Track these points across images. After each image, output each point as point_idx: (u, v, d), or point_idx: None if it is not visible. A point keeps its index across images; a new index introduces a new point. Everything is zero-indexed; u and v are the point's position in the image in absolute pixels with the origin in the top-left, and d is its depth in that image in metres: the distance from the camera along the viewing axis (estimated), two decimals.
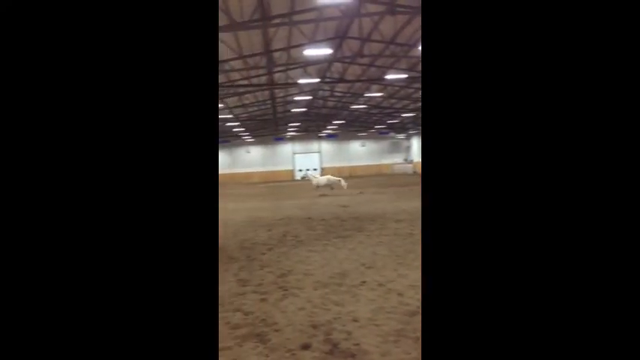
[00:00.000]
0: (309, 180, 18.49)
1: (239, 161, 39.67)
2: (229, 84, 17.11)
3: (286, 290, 4.31)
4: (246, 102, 23.04)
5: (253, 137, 37.56)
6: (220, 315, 3.65)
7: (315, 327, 3.28)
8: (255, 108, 25.65)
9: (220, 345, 3.00)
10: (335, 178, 17.56)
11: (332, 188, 17.34)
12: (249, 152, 39.84)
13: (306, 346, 2.94)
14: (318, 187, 17.39)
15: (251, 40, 13.05)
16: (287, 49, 14.09)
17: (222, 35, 11.66)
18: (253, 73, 16.40)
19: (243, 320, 3.52)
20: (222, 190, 26.62)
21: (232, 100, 22.06)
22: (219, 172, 39.26)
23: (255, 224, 9.61)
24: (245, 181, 38.62)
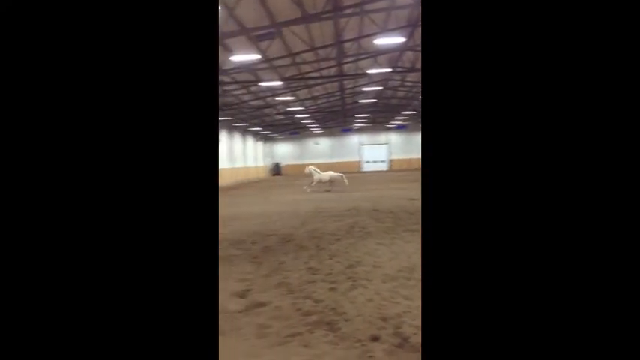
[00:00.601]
0: (309, 175, 17.98)
1: (307, 153, 40.35)
2: (300, 76, 17.41)
3: (355, 281, 4.33)
4: (316, 94, 23.30)
5: (322, 129, 37.96)
6: (291, 301, 3.78)
7: (384, 319, 3.27)
8: (324, 100, 25.85)
9: (291, 330, 3.11)
10: (337, 174, 17.32)
11: (331, 185, 17.16)
12: (317, 144, 40.34)
13: (375, 338, 2.94)
14: (320, 182, 17.13)
15: (322, 31, 13.13)
16: (358, 39, 13.98)
17: (294, 28, 11.87)
18: (324, 64, 16.52)
19: (313, 307, 3.61)
20: (289, 182, 27.24)
21: (302, 93, 22.43)
22: (290, 163, 39.99)
23: (322, 215, 9.75)
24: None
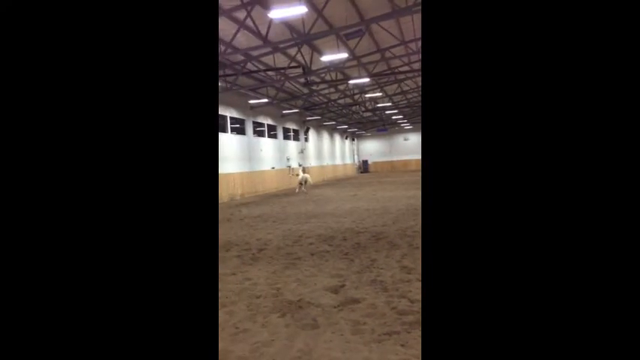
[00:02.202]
0: (294, 175, 18.46)
1: (396, 149, 39.64)
2: (389, 72, 17.12)
3: None
4: (406, 88, 22.74)
5: (411, 124, 36.99)
6: (386, 300, 3.72)
7: None
8: (415, 94, 25.12)
9: (388, 329, 3.06)
10: (307, 175, 17.99)
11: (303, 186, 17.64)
12: (407, 139, 39.43)
13: None
14: (303, 183, 17.55)
15: (413, 24, 12.75)
16: None
17: (384, 23, 11.69)
18: (414, 58, 16.04)
19: (409, 307, 3.51)
20: (379, 178, 26.98)
21: (392, 88, 22.05)
22: (379, 160, 39.69)
23: (414, 212, 9.48)
24: (403, 168, 38.45)
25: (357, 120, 32.03)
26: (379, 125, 36.05)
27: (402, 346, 2.79)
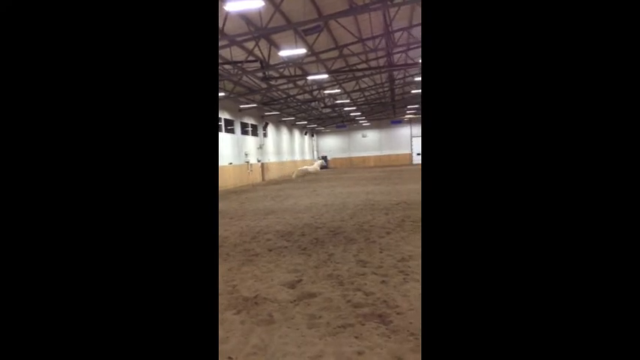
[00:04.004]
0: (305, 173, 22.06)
1: (355, 145, 40.14)
2: (347, 69, 17.28)
3: (407, 275, 4.24)
4: (364, 86, 23.05)
5: (369, 121, 37.57)
6: (341, 293, 3.76)
7: None
8: (373, 92, 25.53)
9: (343, 322, 3.10)
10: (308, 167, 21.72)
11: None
12: (365, 136, 40.00)
13: None
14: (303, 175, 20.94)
15: (371, 22, 12.93)
16: (408, 28, 13.63)
17: (342, 20, 11.77)
18: (372, 56, 16.29)
19: (364, 300, 3.57)
20: (338, 174, 27.25)
21: (350, 85, 22.28)
22: (338, 156, 40.13)
23: (372, 208, 9.65)
24: (361, 165, 39.02)
25: (317, 116, 32.14)
26: (338, 122, 36.35)
27: (357, 337, 2.84)
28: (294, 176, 22.38)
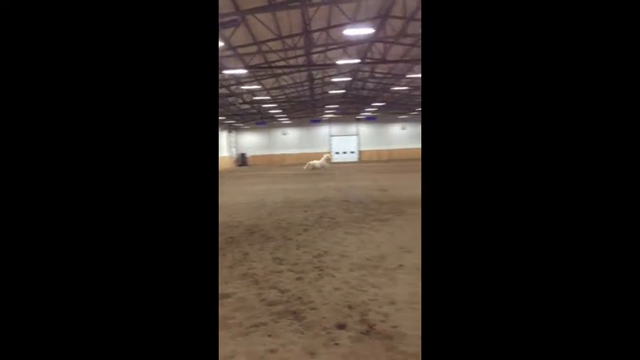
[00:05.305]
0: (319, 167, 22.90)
1: (275, 143, 40.00)
2: (266, 65, 17.12)
3: (322, 270, 4.30)
4: (284, 83, 23.03)
5: (290, 119, 37.67)
6: (256, 292, 3.69)
7: (351, 307, 3.25)
8: (293, 90, 25.61)
9: (256, 321, 3.04)
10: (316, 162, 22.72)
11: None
12: (285, 134, 40.04)
13: (341, 326, 2.91)
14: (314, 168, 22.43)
15: (290, 20, 12.93)
16: (327, 29, 13.86)
17: (260, 16, 11.61)
18: (291, 54, 16.31)
19: (279, 297, 3.54)
20: (257, 172, 26.93)
21: (269, 82, 22.12)
22: (258, 153, 39.81)
23: (291, 205, 9.67)
24: (282, 162, 39.00)
25: (235, 112, 31.42)
26: (258, 119, 35.91)
27: (270, 336, 2.80)
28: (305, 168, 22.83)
